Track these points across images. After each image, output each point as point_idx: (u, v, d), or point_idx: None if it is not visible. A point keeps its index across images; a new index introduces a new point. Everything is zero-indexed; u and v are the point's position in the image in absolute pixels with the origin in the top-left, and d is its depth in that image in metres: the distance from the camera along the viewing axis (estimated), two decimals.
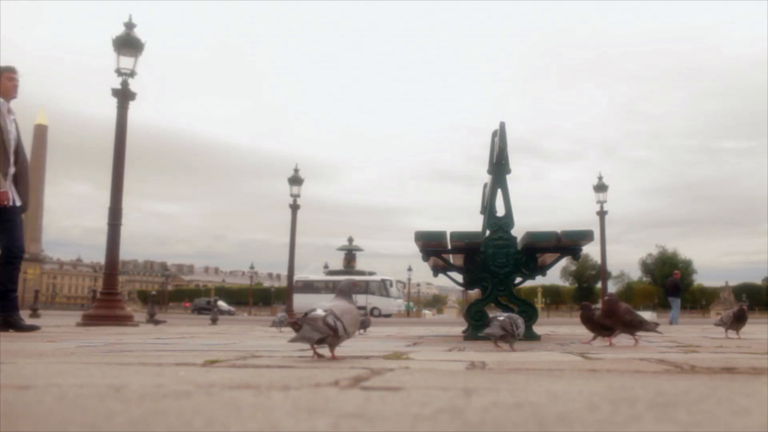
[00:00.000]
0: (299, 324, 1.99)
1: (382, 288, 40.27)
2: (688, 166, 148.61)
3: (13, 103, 4.99)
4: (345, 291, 2.20)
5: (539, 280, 5.15)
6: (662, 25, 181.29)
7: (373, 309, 39.70)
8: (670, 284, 17.27)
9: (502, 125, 4.11)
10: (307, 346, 2.09)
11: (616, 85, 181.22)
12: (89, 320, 7.80)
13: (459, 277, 4.72)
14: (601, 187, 17.85)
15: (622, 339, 3.26)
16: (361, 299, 40.12)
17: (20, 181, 4.92)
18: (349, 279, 2.38)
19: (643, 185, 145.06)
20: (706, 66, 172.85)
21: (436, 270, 4.56)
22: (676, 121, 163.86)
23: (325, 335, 1.98)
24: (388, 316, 37.30)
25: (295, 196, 16.74)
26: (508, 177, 4.17)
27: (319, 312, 2.01)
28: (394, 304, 39.61)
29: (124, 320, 7.78)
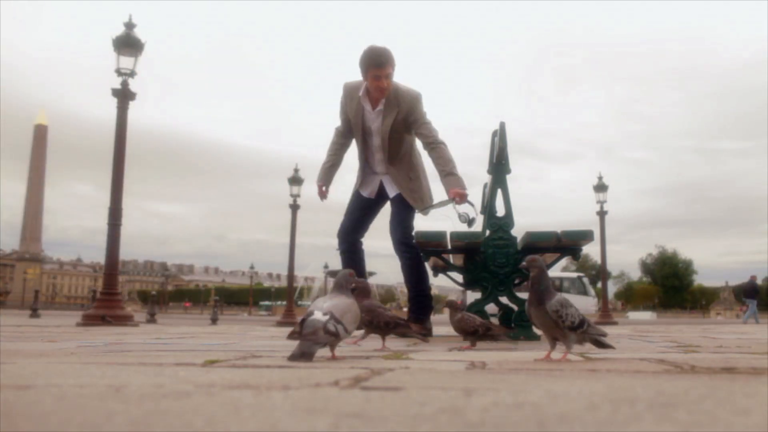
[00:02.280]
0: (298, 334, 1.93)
1: (580, 285, 35.03)
2: (685, 167, 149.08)
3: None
4: (342, 284, 2.10)
5: None
6: (658, 26, 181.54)
7: None
8: (747, 286, 17.83)
9: (502, 125, 4.11)
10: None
11: (613, 86, 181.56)
12: (89, 320, 7.80)
13: (459, 277, 4.72)
14: (601, 187, 17.85)
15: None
16: None
17: (395, 169, 4.42)
18: (345, 270, 2.24)
19: (641, 186, 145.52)
20: (701, 67, 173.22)
21: (436, 270, 4.56)
22: (673, 121, 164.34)
23: (326, 342, 1.92)
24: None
25: (295, 196, 16.74)
26: (508, 177, 4.17)
27: (318, 316, 1.91)
28: (592, 302, 34.22)
29: (124, 320, 7.80)
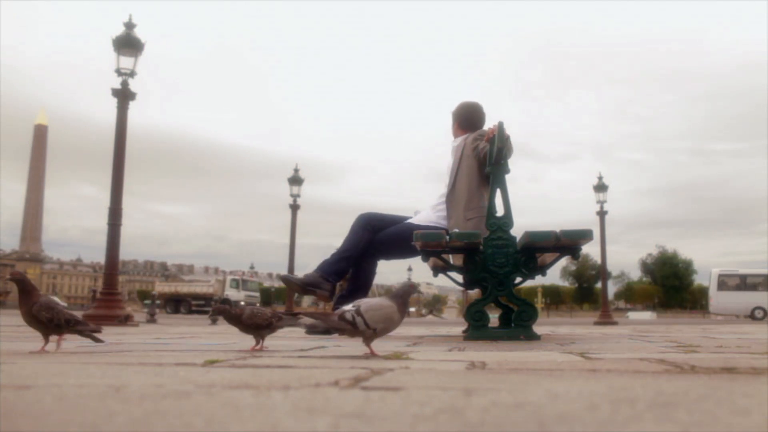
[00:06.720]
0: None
1: None
2: (682, 168, 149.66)
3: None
4: (399, 294, 2.29)
5: (539, 280, 5.15)
6: (652, 28, 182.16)
7: None
8: None
9: (501, 124, 4.11)
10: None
11: (608, 88, 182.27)
12: (89, 320, 7.81)
13: (459, 277, 4.72)
14: (601, 187, 17.86)
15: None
16: None
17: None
18: (407, 281, 2.53)
19: (639, 186, 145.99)
20: (695, 68, 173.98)
21: (436, 270, 4.55)
22: (669, 123, 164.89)
23: (334, 327, 2.12)
24: None
25: (295, 196, 16.76)
26: (507, 177, 4.17)
27: (347, 307, 2.14)
28: None
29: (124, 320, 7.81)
